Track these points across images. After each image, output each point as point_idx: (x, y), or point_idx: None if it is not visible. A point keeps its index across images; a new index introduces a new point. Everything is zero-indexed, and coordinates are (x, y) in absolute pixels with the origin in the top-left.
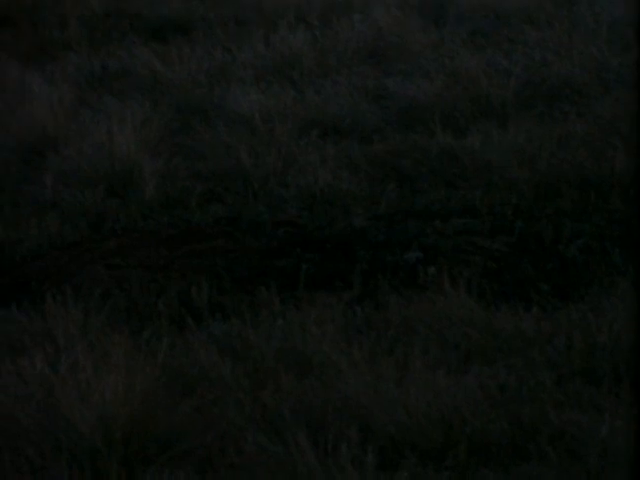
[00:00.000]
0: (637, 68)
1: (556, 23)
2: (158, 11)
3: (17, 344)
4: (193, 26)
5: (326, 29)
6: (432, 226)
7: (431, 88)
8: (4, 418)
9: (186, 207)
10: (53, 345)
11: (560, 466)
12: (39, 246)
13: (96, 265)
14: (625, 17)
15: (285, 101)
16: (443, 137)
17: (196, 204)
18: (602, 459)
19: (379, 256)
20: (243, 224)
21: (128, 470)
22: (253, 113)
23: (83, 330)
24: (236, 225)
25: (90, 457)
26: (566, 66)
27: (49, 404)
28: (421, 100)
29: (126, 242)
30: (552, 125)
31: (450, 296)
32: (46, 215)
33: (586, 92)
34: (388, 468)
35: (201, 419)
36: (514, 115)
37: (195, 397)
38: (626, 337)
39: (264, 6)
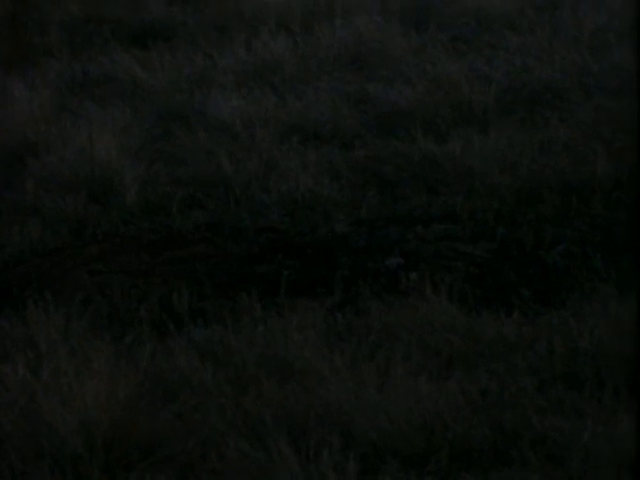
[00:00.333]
0: (618, 73)
1: (537, 29)
2: (139, 17)
3: None
4: (174, 32)
5: (307, 35)
6: (413, 232)
7: (412, 94)
8: None
9: (167, 213)
10: (35, 351)
11: (542, 471)
12: (20, 252)
13: (78, 271)
14: (607, 22)
15: (266, 107)
16: (424, 143)
17: (177, 210)
18: (584, 464)
19: (360, 262)
20: (224, 230)
21: (109, 476)
22: (234, 119)
23: (65, 336)
24: (217, 231)
25: (72, 462)
26: (547, 71)
27: (31, 410)
28: (402, 106)
29: (107, 248)
30: (533, 130)
31: (432, 302)
32: (27, 221)
33: (567, 97)
34: (370, 474)
35: (182, 425)
36: (495, 121)
37: (176, 403)
38: (609, 342)
39: (245, 12)
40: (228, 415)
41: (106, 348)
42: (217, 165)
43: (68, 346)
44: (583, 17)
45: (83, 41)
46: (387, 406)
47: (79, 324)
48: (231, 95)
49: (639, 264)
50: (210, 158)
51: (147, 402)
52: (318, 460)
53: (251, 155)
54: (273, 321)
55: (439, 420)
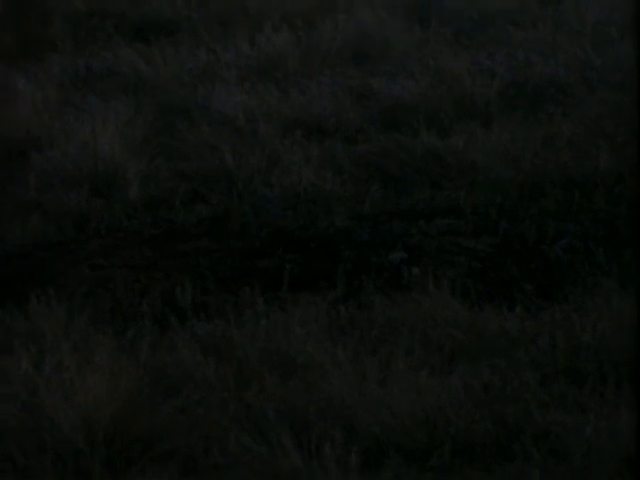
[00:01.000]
0: (621, 68)
1: (540, 23)
2: (142, 11)
3: (1, 344)
4: (177, 26)
5: (310, 29)
6: (416, 226)
7: (415, 88)
8: None
9: (170, 207)
10: (37, 345)
11: (544, 466)
12: (23, 246)
13: (80, 265)
14: (609, 16)
15: (269, 101)
16: (427, 137)
17: (180, 204)
18: (586, 459)
19: (363, 256)
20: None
21: (111, 470)
22: (237, 113)
23: (67, 330)
24: (220, 225)
25: (73, 457)
26: (550, 66)
27: (33, 404)
28: (405, 100)
29: (110, 242)
30: (536, 125)
31: (434, 296)
32: (30, 215)
33: (570, 92)
34: (372, 469)
35: (185, 419)
36: (498, 115)
37: (179, 397)
38: (612, 337)
39: (248, 6)
40: (231, 409)
41: (108, 342)
42: (220, 159)
43: (70, 340)
44: (585, 11)
45: (86, 35)
46: (390, 400)
47: (81, 318)
48: (234, 90)
49: None
50: (213, 152)
51: (149, 396)
52: (320, 455)
53: (254, 149)
54: (276, 315)
55: (442, 415)
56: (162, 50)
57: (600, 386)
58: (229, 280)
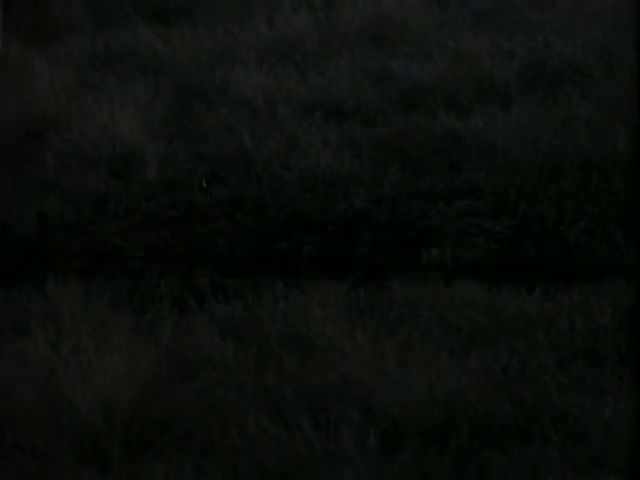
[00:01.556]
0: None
1: (559, 5)
2: None
3: (19, 325)
4: (196, 8)
5: (329, 10)
6: (435, 208)
7: (434, 69)
8: (6, 400)
9: (188, 189)
10: (55, 326)
11: (563, 448)
12: (41, 227)
13: (98, 246)
14: None
15: (288, 83)
16: (447, 119)
17: (198, 186)
18: (605, 441)
19: (382, 238)
20: (245, 206)
21: (129, 452)
22: (255, 95)
23: (85, 311)
24: (238, 207)
25: (91, 439)
26: (569, 48)
27: (51, 386)
28: (424, 82)
29: (128, 224)
30: (555, 106)
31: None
32: (48, 196)
33: (589, 73)
34: (390, 450)
35: (203, 401)
36: (517, 96)
37: (197, 379)
38: (630, 319)
39: None
40: (249, 391)
41: (127, 323)
42: (238, 142)
43: (88, 321)
44: None
45: (105, 16)
46: (408, 382)
47: (100, 300)
48: (253, 71)
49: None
50: (231, 135)
51: (167, 379)
52: (338, 436)
53: (272, 132)
54: (295, 298)
55: (460, 397)
56: (180, 31)
57: (619, 368)
58: (248, 262)
